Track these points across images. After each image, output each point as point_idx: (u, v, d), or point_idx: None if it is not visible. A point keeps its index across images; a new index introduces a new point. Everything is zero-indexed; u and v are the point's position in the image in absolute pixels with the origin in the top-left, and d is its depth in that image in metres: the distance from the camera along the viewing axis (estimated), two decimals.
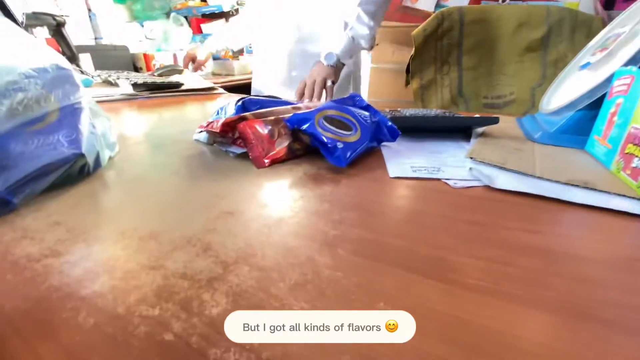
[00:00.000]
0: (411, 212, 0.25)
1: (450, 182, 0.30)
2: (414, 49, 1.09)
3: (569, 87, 0.48)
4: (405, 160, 0.36)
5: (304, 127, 0.34)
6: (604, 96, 0.38)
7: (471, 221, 0.24)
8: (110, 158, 0.35)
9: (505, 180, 0.30)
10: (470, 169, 0.32)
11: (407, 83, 1.14)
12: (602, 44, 0.45)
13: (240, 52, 1.86)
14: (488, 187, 0.30)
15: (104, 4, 1.58)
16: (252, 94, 0.93)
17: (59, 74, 0.28)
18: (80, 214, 0.25)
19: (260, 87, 0.94)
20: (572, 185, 0.29)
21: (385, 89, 1.35)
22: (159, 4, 1.92)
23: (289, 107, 0.47)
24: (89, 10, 1.55)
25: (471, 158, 0.34)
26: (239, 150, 0.39)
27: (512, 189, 0.29)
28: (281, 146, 0.36)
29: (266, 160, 0.35)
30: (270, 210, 0.25)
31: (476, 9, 1.14)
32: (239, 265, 0.19)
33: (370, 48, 0.83)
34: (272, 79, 0.90)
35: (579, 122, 0.41)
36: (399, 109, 0.59)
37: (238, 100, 0.48)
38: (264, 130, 0.36)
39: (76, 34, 1.51)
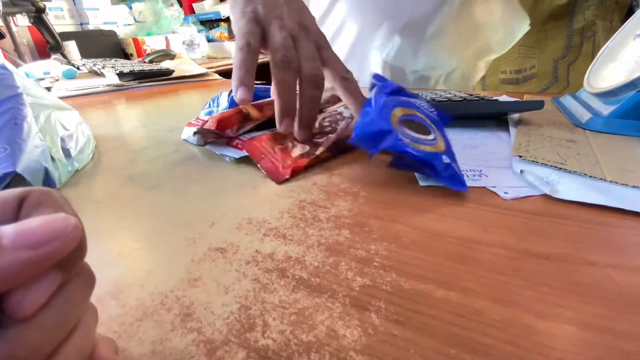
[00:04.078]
0: (457, 240, 0.19)
1: (499, 192, 0.24)
2: None
3: (622, 61, 0.40)
4: None
5: (387, 144, 0.24)
6: None
7: (542, 254, 0.18)
8: (77, 170, 0.29)
9: (568, 188, 0.24)
10: (522, 171, 0.26)
11: None
12: None
13: None
14: (546, 196, 0.23)
15: None
16: None
17: None
18: None
19: None
20: None
21: None
22: None
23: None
24: None
25: (520, 157, 0.28)
26: (237, 154, 0.33)
27: (580, 200, 0.22)
28: (301, 152, 0.30)
29: (285, 170, 0.28)
30: (272, 244, 0.19)
31: None
32: (231, 348, 0.13)
33: None
34: None
35: None
36: (417, 92, 0.52)
37: (231, 91, 0.41)
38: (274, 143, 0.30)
39: (60, 19, 1.42)
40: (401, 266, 0.17)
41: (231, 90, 0.41)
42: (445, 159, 0.24)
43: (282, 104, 0.29)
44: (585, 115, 0.38)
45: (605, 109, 0.37)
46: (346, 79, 0.31)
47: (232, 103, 0.41)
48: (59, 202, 0.10)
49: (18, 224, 0.08)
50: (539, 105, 0.36)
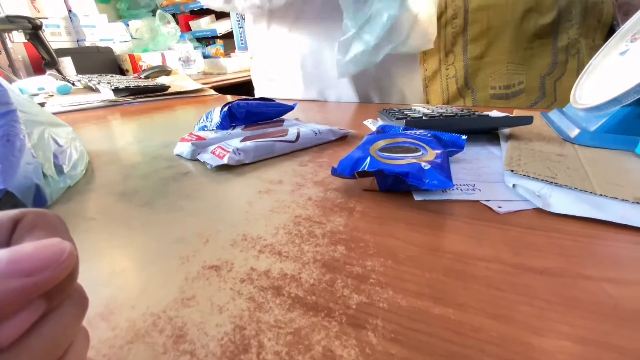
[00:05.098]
0: (452, 255, 0.19)
1: (493, 206, 0.24)
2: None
3: (607, 78, 0.41)
4: None
5: (363, 167, 0.26)
6: None
7: (537, 269, 0.18)
8: (69, 187, 0.29)
9: (560, 202, 0.24)
10: (514, 185, 0.26)
11: None
12: None
13: (232, 49, 1.79)
14: (538, 210, 0.24)
15: (85, 5, 1.50)
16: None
17: None
18: None
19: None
20: None
21: None
22: (145, 1, 1.83)
23: (285, 128, 0.41)
24: (70, 11, 1.46)
25: (511, 171, 0.28)
26: (216, 162, 0.33)
27: (571, 214, 0.23)
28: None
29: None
30: (267, 262, 0.19)
31: None
32: None
33: None
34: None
35: (626, 120, 0.35)
36: (410, 107, 0.53)
37: (224, 106, 0.42)
38: None
39: (57, 36, 1.43)
40: (398, 282, 0.17)
41: (224, 105, 0.42)
42: (425, 165, 0.25)
43: None
44: (573, 130, 0.39)
45: (592, 124, 0.38)
46: None
47: (223, 118, 0.41)
48: (54, 225, 0.10)
49: (11, 249, 0.08)
50: (528, 120, 0.37)
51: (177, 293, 0.17)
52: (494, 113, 0.52)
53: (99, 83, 0.83)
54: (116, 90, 0.75)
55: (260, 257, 0.19)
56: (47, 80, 0.88)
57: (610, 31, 1.07)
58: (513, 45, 1.06)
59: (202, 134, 0.39)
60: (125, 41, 1.58)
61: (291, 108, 0.48)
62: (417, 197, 0.26)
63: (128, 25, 1.61)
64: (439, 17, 1.07)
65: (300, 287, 0.17)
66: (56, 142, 0.29)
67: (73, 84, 0.94)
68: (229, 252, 0.20)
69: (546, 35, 1.05)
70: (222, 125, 0.41)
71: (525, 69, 1.07)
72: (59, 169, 0.27)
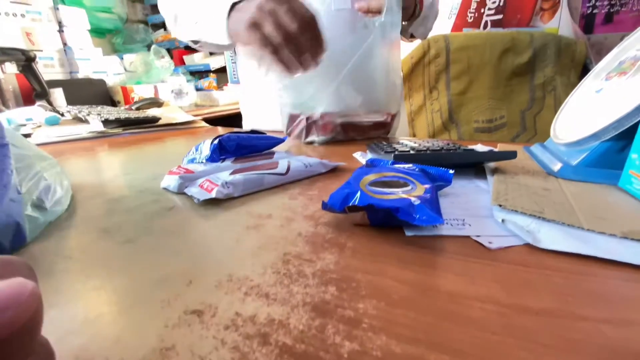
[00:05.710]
0: (446, 296, 0.19)
1: (484, 241, 0.24)
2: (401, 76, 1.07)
3: (584, 114, 0.43)
4: None
5: (354, 202, 0.26)
6: (632, 125, 0.34)
7: (532, 309, 0.17)
8: (50, 223, 0.28)
9: (549, 237, 0.24)
10: (503, 221, 0.26)
11: None
12: (617, 67, 0.42)
13: (225, 82, 1.84)
14: (529, 245, 0.24)
15: (81, 39, 1.53)
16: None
17: None
18: None
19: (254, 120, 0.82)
20: (631, 239, 0.24)
21: None
22: (140, 36, 1.89)
23: (275, 160, 0.41)
24: (65, 44, 1.49)
25: (499, 205, 0.28)
26: (204, 196, 0.32)
27: (561, 250, 0.23)
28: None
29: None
30: (254, 305, 0.18)
31: (461, 36, 1.14)
32: None
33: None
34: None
35: (606, 155, 0.37)
36: (398, 140, 0.54)
37: (214, 139, 0.42)
38: None
39: (50, 68, 1.44)
40: (391, 327, 0.16)
41: (214, 138, 0.42)
42: (415, 200, 0.25)
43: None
44: (556, 164, 0.40)
45: (574, 159, 0.39)
46: None
47: (213, 151, 0.41)
48: (21, 273, 0.09)
49: None
50: (512, 155, 0.38)
51: (155, 342, 0.16)
52: (479, 147, 0.53)
53: (88, 114, 0.84)
54: (106, 122, 0.75)
55: (246, 300, 0.18)
56: (36, 111, 0.88)
57: (584, 69, 1.15)
58: (493, 82, 1.12)
59: (190, 166, 0.39)
60: (119, 74, 1.61)
61: (281, 140, 0.48)
62: (408, 233, 0.26)
63: (122, 58, 1.65)
64: (422, 57, 1.13)
65: (289, 334, 0.16)
66: (42, 177, 0.28)
67: (62, 115, 0.94)
68: (213, 295, 0.19)
69: (523, 74, 1.12)
70: (212, 158, 0.41)
71: (506, 104, 1.12)
72: (42, 205, 0.26)
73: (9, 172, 0.22)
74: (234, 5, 0.51)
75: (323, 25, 0.48)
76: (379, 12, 0.55)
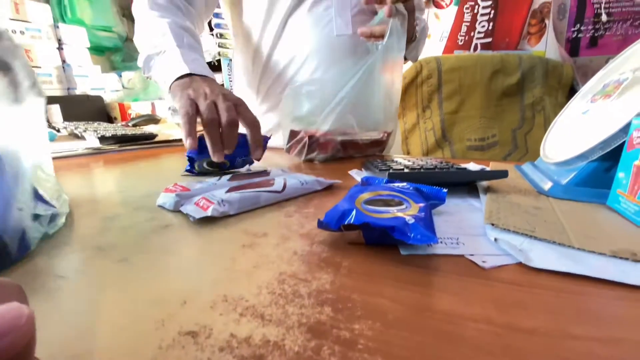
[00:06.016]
0: (441, 316, 0.19)
1: (477, 260, 0.25)
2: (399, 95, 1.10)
3: (572, 135, 0.45)
4: None
5: (349, 220, 0.26)
6: (618, 146, 0.35)
7: (526, 329, 0.18)
8: (42, 239, 0.28)
9: (541, 256, 0.25)
10: (496, 239, 0.27)
11: None
12: (602, 90, 0.44)
13: None
14: (521, 264, 0.24)
15: (80, 56, 1.56)
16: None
17: None
18: None
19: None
20: (620, 258, 0.24)
21: None
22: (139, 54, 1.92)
23: (271, 178, 0.42)
24: (64, 61, 1.51)
25: (492, 224, 0.29)
26: (200, 214, 0.32)
27: (552, 269, 0.23)
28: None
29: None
30: (249, 326, 0.18)
31: (452, 57, 1.19)
32: None
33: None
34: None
35: (594, 174, 0.38)
36: (392, 158, 0.55)
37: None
38: None
39: (48, 84, 1.46)
40: (387, 348, 0.16)
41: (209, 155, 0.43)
42: (410, 219, 0.25)
43: (212, 143, 0.46)
44: (546, 183, 0.41)
45: (564, 178, 0.40)
46: (255, 126, 0.50)
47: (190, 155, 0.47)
48: (12, 296, 0.09)
49: None
50: (504, 174, 0.39)
51: None
52: (472, 165, 0.54)
53: (85, 130, 0.84)
54: (102, 139, 0.75)
55: (241, 321, 0.18)
56: None
57: (572, 90, 1.19)
58: (484, 102, 1.16)
59: (186, 184, 0.39)
60: (117, 90, 1.63)
61: (243, 137, 0.50)
62: (403, 252, 0.26)
63: (121, 76, 1.67)
64: (415, 77, 1.16)
65: (284, 355, 0.16)
66: (37, 192, 0.28)
67: (58, 131, 0.94)
68: (208, 316, 0.19)
69: (513, 94, 1.15)
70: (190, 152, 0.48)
71: (497, 123, 1.15)
72: (40, 218, 0.26)
73: (15, 183, 0.22)
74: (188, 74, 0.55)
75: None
76: (381, 37, 0.58)
